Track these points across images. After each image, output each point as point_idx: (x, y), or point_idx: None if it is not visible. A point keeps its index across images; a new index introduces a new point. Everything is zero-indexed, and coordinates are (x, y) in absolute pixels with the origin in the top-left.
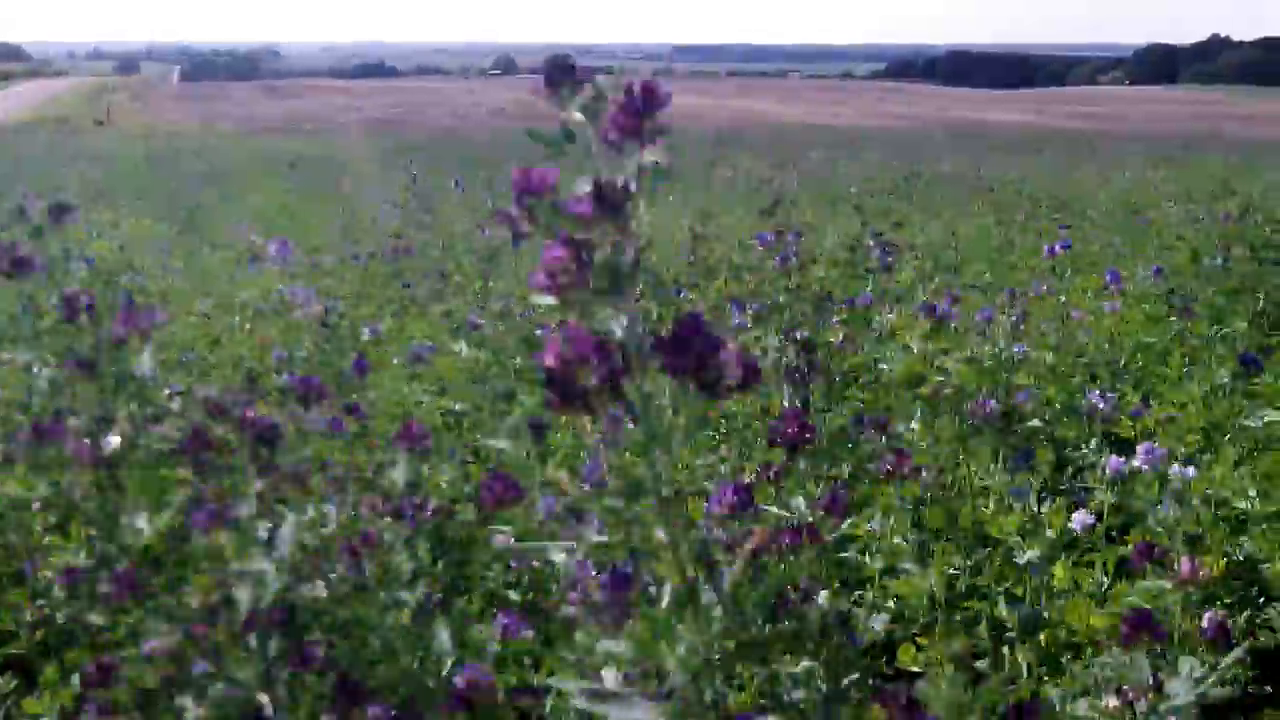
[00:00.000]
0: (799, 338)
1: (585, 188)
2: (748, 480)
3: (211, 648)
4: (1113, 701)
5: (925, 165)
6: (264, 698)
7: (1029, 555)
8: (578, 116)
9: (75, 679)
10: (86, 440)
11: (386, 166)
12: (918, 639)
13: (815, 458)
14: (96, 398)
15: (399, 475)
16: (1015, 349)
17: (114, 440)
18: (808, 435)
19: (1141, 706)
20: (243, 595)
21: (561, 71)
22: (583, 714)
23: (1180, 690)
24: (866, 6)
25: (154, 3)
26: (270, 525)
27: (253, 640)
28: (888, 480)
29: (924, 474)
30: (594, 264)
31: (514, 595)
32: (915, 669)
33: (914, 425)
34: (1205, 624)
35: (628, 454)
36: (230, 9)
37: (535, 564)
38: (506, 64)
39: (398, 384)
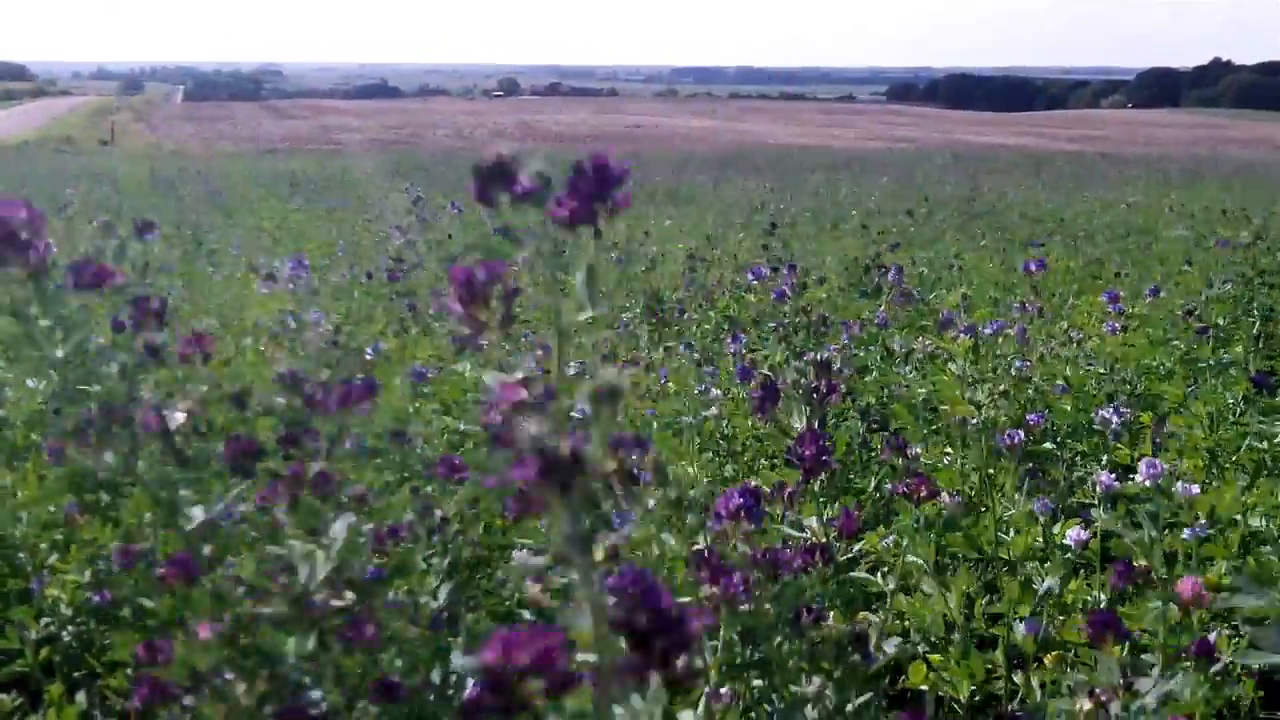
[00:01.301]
0: (818, 358)
1: (531, 448)
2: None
3: (268, 623)
4: (1085, 704)
5: (927, 188)
6: (315, 692)
7: (1049, 583)
8: (527, 212)
9: (80, 696)
10: (155, 414)
11: (389, 187)
12: (929, 657)
13: (830, 479)
14: (163, 385)
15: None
16: (1022, 367)
17: (179, 415)
18: (824, 458)
19: (1115, 708)
20: (302, 570)
21: (492, 180)
22: None
23: (1150, 689)
24: (867, 29)
25: (158, 23)
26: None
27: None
28: (907, 500)
29: (947, 496)
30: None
31: (526, 614)
32: (924, 687)
33: (948, 450)
34: (1193, 644)
35: None
36: (233, 29)
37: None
38: (510, 85)
39: (402, 402)
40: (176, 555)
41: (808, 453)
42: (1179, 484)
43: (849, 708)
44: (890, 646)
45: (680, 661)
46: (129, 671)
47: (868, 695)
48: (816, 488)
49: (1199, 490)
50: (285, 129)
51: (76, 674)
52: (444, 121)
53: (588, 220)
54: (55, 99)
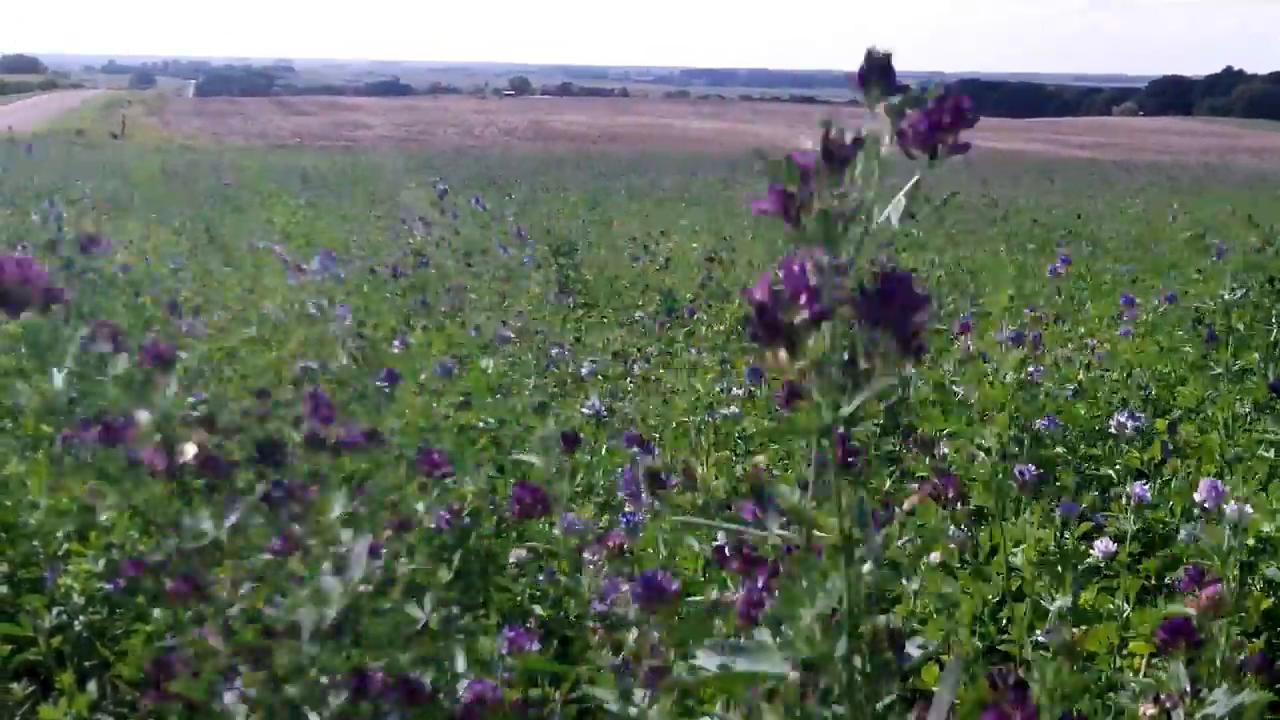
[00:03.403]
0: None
1: (811, 142)
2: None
3: (272, 660)
4: (1150, 710)
5: (938, 192)
6: (314, 717)
7: (1060, 603)
8: (881, 116)
9: (91, 685)
10: (159, 447)
11: (400, 183)
12: (942, 659)
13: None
14: (164, 394)
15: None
16: (1034, 373)
17: (190, 450)
18: (850, 458)
19: (1179, 715)
20: (308, 615)
21: (876, 70)
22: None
23: (1220, 699)
24: (878, 33)
25: (170, 17)
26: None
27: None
28: (936, 500)
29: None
30: (810, 213)
31: (539, 610)
32: (935, 689)
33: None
34: (1248, 656)
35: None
36: (246, 25)
37: (560, 579)
38: (521, 84)
39: (420, 398)
40: (182, 572)
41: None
42: (1230, 504)
43: (879, 705)
44: (914, 648)
45: (913, 323)
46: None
47: (895, 694)
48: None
49: (1251, 510)
50: (296, 124)
51: (88, 663)
52: (455, 119)
53: (930, 145)
54: (67, 92)
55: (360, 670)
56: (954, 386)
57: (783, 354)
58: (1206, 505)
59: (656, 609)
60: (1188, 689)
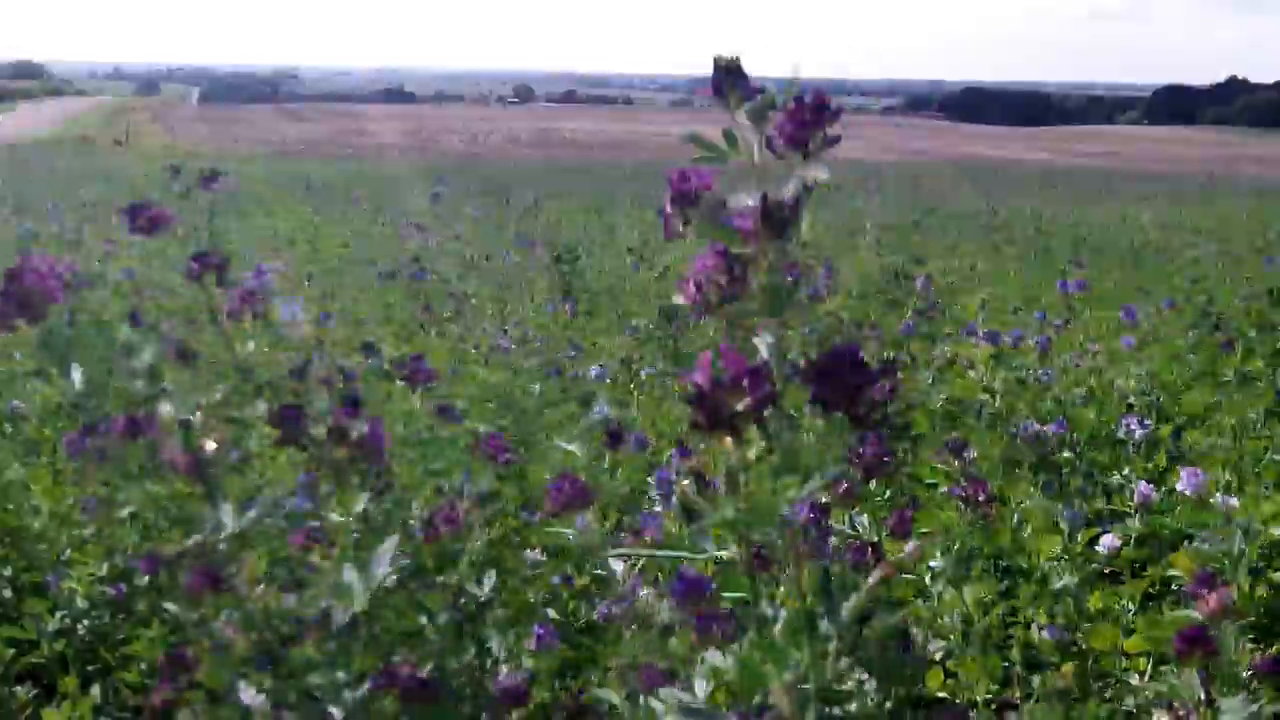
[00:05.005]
0: (885, 359)
1: (749, 201)
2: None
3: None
4: (1164, 718)
5: (941, 200)
6: (337, 711)
7: (1064, 581)
8: (743, 122)
9: (94, 689)
10: (179, 442)
11: (404, 190)
12: (945, 664)
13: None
14: (190, 385)
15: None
16: (1044, 376)
17: (210, 445)
18: (885, 460)
19: None
20: (336, 610)
21: (730, 75)
22: None
23: (1234, 708)
24: (880, 41)
25: (175, 24)
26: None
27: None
28: (965, 503)
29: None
30: (754, 284)
31: (551, 613)
32: (941, 695)
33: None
34: (1259, 659)
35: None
36: (251, 32)
37: (574, 582)
38: (525, 92)
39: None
40: (202, 566)
41: (869, 453)
42: (1218, 496)
43: (889, 704)
44: (934, 646)
45: (864, 400)
46: (144, 666)
47: (906, 693)
48: (873, 487)
49: (1236, 501)
50: (300, 132)
51: (91, 667)
52: (459, 127)
53: (802, 145)
54: (72, 98)
55: (387, 666)
56: (938, 396)
57: (728, 441)
58: (1187, 492)
59: (692, 606)
60: (1202, 698)
